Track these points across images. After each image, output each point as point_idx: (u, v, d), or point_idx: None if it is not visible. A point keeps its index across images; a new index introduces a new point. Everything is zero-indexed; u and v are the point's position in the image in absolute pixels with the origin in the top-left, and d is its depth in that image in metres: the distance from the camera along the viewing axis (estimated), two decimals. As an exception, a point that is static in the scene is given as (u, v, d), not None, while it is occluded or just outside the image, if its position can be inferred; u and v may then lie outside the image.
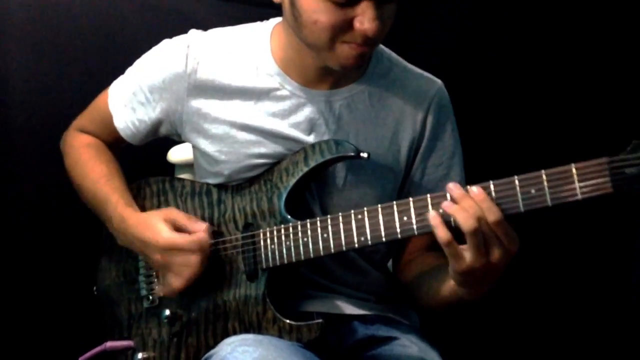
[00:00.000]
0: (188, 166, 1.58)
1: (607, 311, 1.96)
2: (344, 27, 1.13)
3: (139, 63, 1.36)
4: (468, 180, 1.30)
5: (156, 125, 1.35)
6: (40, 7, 1.85)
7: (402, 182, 1.33)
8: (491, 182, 1.04)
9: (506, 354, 1.98)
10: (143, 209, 1.33)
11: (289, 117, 1.27)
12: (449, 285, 1.13)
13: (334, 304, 1.29)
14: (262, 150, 1.28)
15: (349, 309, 1.30)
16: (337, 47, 1.15)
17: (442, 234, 1.02)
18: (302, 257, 1.19)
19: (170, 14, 1.92)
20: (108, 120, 1.38)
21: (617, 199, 0.98)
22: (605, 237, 1.93)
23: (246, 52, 1.29)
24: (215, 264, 1.25)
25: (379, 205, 1.12)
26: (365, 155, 1.21)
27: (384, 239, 1.12)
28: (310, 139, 1.27)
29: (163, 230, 1.23)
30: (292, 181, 1.24)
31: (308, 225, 1.19)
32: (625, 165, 0.95)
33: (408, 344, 1.28)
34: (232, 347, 1.14)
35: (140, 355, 1.32)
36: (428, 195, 1.08)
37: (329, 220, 1.17)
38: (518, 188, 1.01)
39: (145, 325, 1.33)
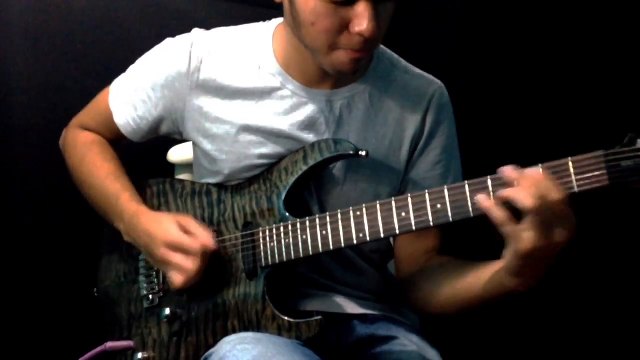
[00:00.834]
0: (188, 166, 1.58)
1: (607, 311, 1.96)
2: (341, 29, 1.14)
3: (141, 61, 1.37)
4: (465, 177, 1.31)
5: (157, 122, 1.36)
6: (40, 6, 1.86)
7: (401, 181, 1.33)
8: (488, 177, 1.04)
9: (506, 354, 1.97)
10: None
11: (290, 117, 1.28)
12: (494, 279, 1.10)
13: (334, 302, 1.30)
14: (263, 150, 1.29)
15: (349, 308, 1.30)
16: (333, 52, 1.16)
17: (498, 214, 1.00)
18: (302, 255, 1.19)
19: (170, 13, 1.92)
20: (109, 117, 1.39)
21: (613, 192, 0.98)
22: (605, 234, 1.93)
23: (249, 52, 1.30)
24: (215, 263, 1.25)
25: (378, 202, 1.13)
26: (363, 153, 1.21)
27: (382, 235, 1.12)
28: (311, 138, 1.28)
29: (172, 228, 1.24)
30: (292, 180, 1.25)
31: (307, 223, 1.19)
32: (622, 158, 0.96)
33: (408, 343, 1.28)
34: (231, 346, 1.14)
35: (140, 355, 1.32)
36: (426, 191, 1.09)
37: (327, 218, 1.17)
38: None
39: (145, 325, 1.34)
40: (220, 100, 1.30)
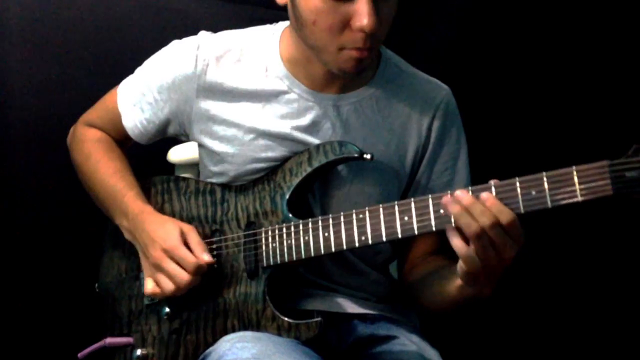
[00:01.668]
0: (188, 166, 1.59)
1: (607, 311, 1.96)
2: (342, 27, 1.14)
3: (148, 63, 1.38)
4: (471, 182, 1.31)
5: (164, 125, 1.36)
6: (40, 6, 1.85)
7: (407, 187, 1.33)
8: (492, 183, 1.04)
9: (506, 354, 1.97)
10: None
11: (297, 121, 1.28)
12: (455, 286, 1.12)
13: (334, 302, 1.30)
14: (269, 153, 1.29)
15: (350, 307, 1.30)
16: (337, 52, 1.17)
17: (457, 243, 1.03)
18: (303, 256, 1.19)
19: (171, 14, 1.92)
20: (117, 119, 1.39)
21: (617, 202, 0.98)
22: (605, 238, 1.93)
23: (255, 55, 1.31)
24: (216, 261, 1.26)
25: (381, 205, 1.13)
26: (368, 156, 1.22)
27: (384, 239, 1.12)
28: (317, 142, 1.28)
29: (174, 235, 1.23)
30: (296, 181, 1.25)
31: (310, 224, 1.20)
32: (626, 169, 0.96)
33: (408, 343, 1.29)
34: (230, 344, 1.15)
35: (139, 351, 1.32)
36: (429, 196, 1.09)
37: (330, 220, 1.17)
38: (519, 189, 1.02)
39: (145, 322, 1.34)
40: (226, 103, 1.30)
